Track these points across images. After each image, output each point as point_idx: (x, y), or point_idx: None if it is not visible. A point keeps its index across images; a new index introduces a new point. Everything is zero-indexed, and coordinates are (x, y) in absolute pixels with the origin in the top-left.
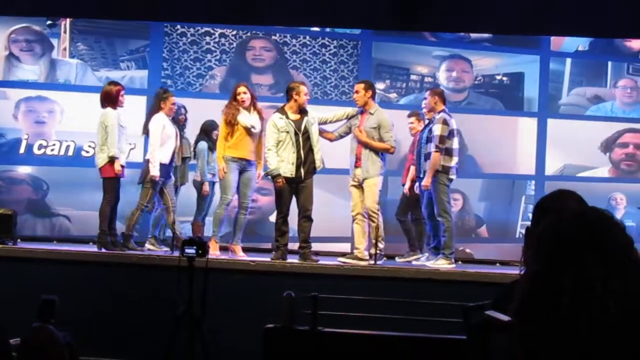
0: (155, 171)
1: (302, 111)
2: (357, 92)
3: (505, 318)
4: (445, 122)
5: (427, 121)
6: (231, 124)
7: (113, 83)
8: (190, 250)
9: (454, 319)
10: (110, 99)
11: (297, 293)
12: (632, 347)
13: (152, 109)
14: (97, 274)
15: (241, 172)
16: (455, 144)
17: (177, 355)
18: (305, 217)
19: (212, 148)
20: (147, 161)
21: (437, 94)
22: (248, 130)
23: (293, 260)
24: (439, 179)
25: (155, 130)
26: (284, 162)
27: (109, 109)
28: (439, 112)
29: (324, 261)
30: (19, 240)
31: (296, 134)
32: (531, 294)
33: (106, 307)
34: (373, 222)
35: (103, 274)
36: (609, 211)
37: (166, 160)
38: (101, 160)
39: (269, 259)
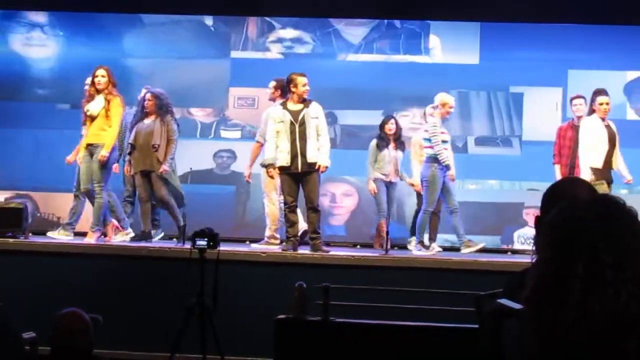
0: None
1: (305, 102)
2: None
3: (517, 306)
4: None
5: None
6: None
7: None
8: (202, 242)
9: (465, 307)
10: None
11: (308, 284)
12: None
13: None
14: (109, 266)
15: (92, 157)
16: None
17: (188, 346)
18: (311, 208)
19: (379, 145)
20: None
21: None
22: (86, 115)
23: (304, 250)
24: None
25: None
26: (281, 152)
27: None
28: None
29: (334, 252)
30: (30, 234)
31: (292, 124)
32: (543, 281)
33: (118, 300)
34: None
35: (114, 267)
36: (621, 198)
37: None
38: None
39: (279, 250)
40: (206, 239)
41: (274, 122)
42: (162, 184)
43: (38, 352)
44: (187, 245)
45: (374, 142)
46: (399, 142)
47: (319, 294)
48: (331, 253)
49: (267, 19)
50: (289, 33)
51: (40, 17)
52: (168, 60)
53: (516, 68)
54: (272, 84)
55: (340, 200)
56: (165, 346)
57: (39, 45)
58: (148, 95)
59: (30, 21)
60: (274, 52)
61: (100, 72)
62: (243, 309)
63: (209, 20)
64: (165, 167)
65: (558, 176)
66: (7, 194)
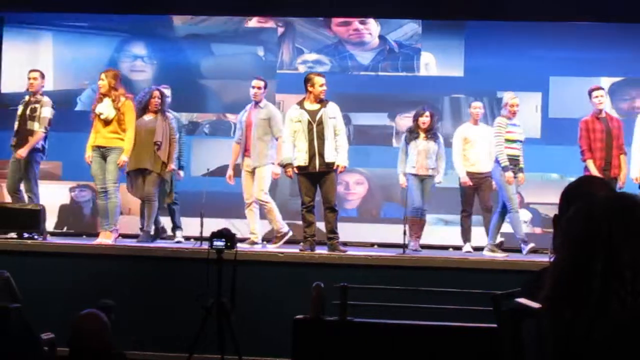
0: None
1: (322, 102)
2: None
3: (535, 305)
4: None
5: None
6: (94, 113)
7: None
8: (219, 243)
9: (483, 307)
10: None
11: (326, 284)
12: None
13: None
14: (126, 267)
15: (104, 158)
16: None
17: (206, 347)
18: (329, 208)
19: (407, 138)
20: None
21: None
22: (99, 118)
23: (321, 250)
24: None
25: None
26: (299, 152)
27: None
28: None
29: (352, 251)
30: (48, 235)
31: (310, 123)
32: (562, 280)
33: (136, 300)
34: (265, 208)
35: (132, 267)
36: (638, 196)
37: None
38: None
39: (297, 250)
40: (223, 240)
41: (292, 121)
42: (155, 183)
43: (57, 353)
44: (205, 246)
45: (403, 136)
46: (431, 133)
47: (336, 294)
48: (349, 253)
49: (297, 45)
50: (313, 56)
51: (141, 50)
52: (232, 81)
53: (501, 77)
54: (261, 83)
55: (353, 187)
56: (183, 347)
57: (140, 71)
58: (157, 93)
59: (134, 53)
60: (301, 70)
61: (101, 76)
62: (261, 309)
63: (260, 52)
64: (172, 166)
65: (594, 171)
66: (71, 184)
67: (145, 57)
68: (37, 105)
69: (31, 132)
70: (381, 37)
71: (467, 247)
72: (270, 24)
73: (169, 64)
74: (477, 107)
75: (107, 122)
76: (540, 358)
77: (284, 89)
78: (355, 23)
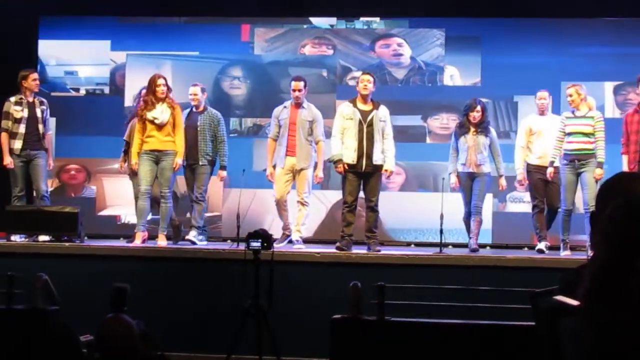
0: None
1: (374, 104)
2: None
3: (573, 303)
4: None
5: None
6: (142, 119)
7: None
8: (256, 243)
9: (521, 305)
10: None
11: (363, 283)
12: None
13: None
14: (165, 269)
15: (157, 163)
16: None
17: (244, 347)
18: (369, 207)
19: (456, 133)
20: None
21: None
22: (152, 123)
23: (358, 250)
24: None
25: None
26: (347, 150)
27: None
28: None
29: (389, 251)
30: (85, 237)
31: (360, 123)
32: (600, 277)
33: (174, 302)
34: (303, 209)
35: (170, 269)
36: None
37: None
38: None
39: (334, 250)
40: (260, 240)
41: (343, 118)
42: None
43: (96, 355)
44: (242, 247)
45: (452, 133)
46: (482, 127)
47: (374, 293)
48: (386, 252)
49: (344, 63)
50: (360, 73)
51: (238, 72)
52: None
53: (517, 84)
54: (301, 84)
55: (393, 178)
56: (222, 347)
57: (236, 88)
58: (144, 92)
59: (232, 75)
60: (351, 84)
61: (162, 81)
62: (298, 309)
63: (324, 73)
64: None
65: (624, 166)
66: None
67: (240, 77)
68: (44, 107)
69: (42, 135)
70: (412, 57)
71: (541, 246)
72: (323, 49)
73: (257, 83)
74: (542, 98)
75: (160, 126)
76: (577, 356)
77: (341, 97)
78: (394, 45)
